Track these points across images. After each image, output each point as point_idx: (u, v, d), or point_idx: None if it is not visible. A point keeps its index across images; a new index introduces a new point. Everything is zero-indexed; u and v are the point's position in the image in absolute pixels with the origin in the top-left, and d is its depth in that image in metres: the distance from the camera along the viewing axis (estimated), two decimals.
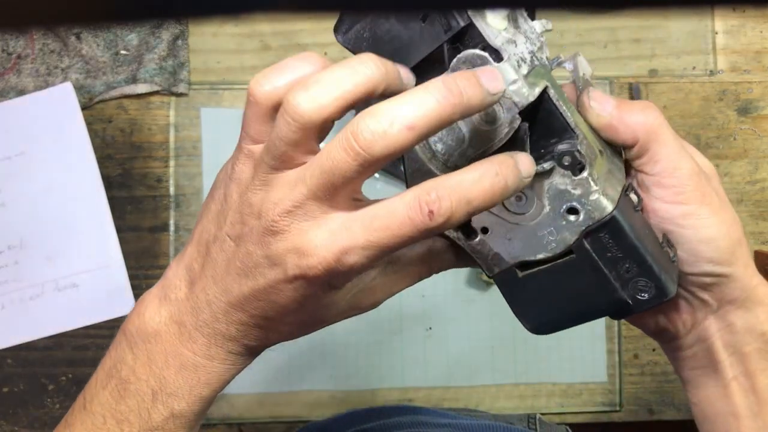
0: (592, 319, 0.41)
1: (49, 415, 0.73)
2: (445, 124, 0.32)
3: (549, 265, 0.39)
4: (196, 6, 0.16)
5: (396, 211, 0.32)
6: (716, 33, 0.80)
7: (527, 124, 0.36)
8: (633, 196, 0.40)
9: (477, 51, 0.35)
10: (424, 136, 0.31)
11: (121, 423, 0.37)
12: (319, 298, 0.35)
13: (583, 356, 0.77)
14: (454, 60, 0.35)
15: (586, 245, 0.38)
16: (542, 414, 0.75)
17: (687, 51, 0.79)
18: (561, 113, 0.37)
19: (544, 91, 0.36)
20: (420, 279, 0.41)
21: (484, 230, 0.39)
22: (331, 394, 0.76)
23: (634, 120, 0.39)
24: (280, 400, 0.76)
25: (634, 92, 0.78)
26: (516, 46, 0.36)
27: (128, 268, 0.73)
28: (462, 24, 0.34)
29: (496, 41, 0.35)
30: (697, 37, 0.80)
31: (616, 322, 0.77)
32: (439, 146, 0.37)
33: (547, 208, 0.38)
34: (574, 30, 0.79)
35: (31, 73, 0.74)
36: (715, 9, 0.80)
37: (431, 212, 0.31)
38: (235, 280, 0.35)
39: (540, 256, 0.39)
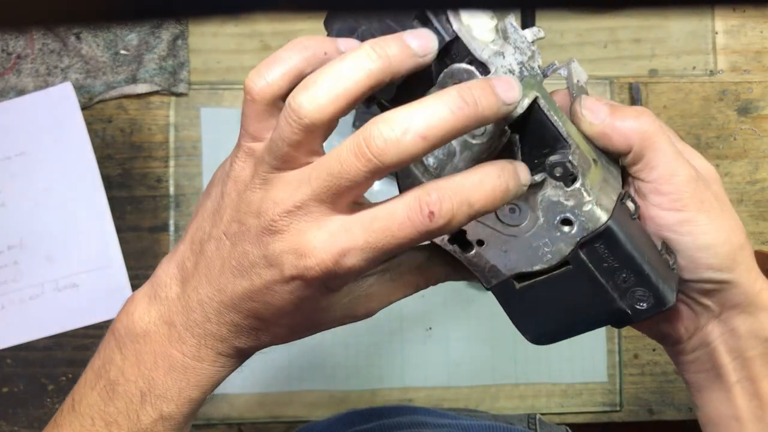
0: (592, 328, 0.41)
1: (49, 415, 0.72)
2: (459, 133, 0.31)
3: (546, 276, 0.39)
4: (196, 6, 0.16)
5: (396, 212, 0.32)
6: (716, 33, 0.80)
7: (517, 136, 0.36)
8: (630, 204, 0.39)
9: (463, 65, 0.35)
10: (437, 146, 0.31)
11: (109, 425, 0.37)
12: (315, 301, 0.35)
13: (583, 356, 0.77)
14: (441, 75, 0.35)
15: (582, 256, 0.38)
16: (542, 414, 0.75)
17: (687, 51, 0.79)
18: (552, 123, 0.36)
19: (535, 102, 0.35)
20: (417, 290, 0.40)
21: (480, 243, 0.39)
22: (331, 394, 0.76)
23: (627, 127, 0.38)
24: (280, 400, 0.76)
25: (634, 92, 0.78)
26: (504, 58, 0.35)
27: (128, 268, 0.73)
28: (447, 38, 0.34)
29: (482, 54, 0.34)
30: (697, 37, 0.80)
31: None
32: (431, 160, 0.37)
33: (541, 220, 0.37)
34: (574, 30, 0.79)
35: (30, 73, 0.74)
36: (715, 9, 0.80)
37: (431, 213, 0.31)
38: (230, 280, 0.35)
39: (536, 268, 0.38)
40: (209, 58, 0.76)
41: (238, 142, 0.35)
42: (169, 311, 0.37)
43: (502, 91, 0.32)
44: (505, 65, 0.35)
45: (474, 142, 0.36)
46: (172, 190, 0.75)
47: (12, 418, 0.73)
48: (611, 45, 0.79)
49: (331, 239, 0.32)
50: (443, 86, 0.34)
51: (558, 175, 0.36)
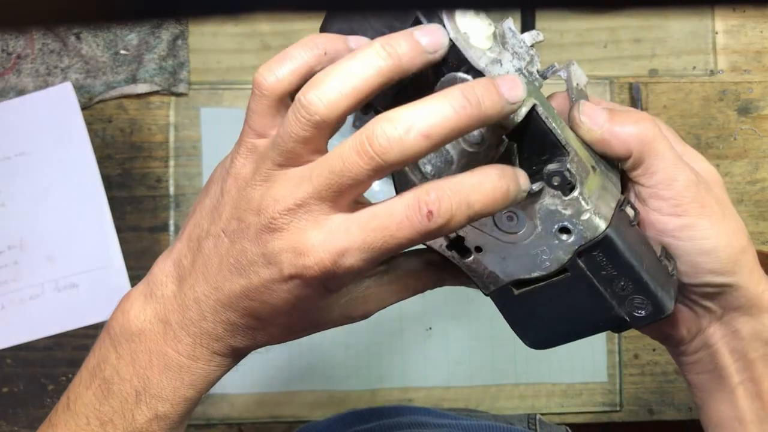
0: (592, 334, 0.41)
1: None
2: (462, 133, 0.31)
3: (544, 283, 0.38)
4: (196, 6, 0.16)
5: (394, 211, 0.32)
6: (716, 33, 0.80)
7: (515, 144, 0.36)
8: (629, 210, 0.39)
9: (459, 74, 0.34)
10: (439, 145, 0.31)
11: (105, 424, 0.37)
12: (313, 301, 0.35)
13: (583, 356, 0.77)
14: (438, 84, 0.35)
15: (580, 264, 0.37)
16: (542, 414, 0.75)
17: (687, 51, 0.79)
18: (550, 130, 0.36)
19: (533, 110, 0.35)
20: (414, 293, 0.40)
21: (478, 249, 0.38)
22: (331, 394, 0.76)
23: (626, 132, 0.38)
24: (280, 400, 0.76)
25: (634, 92, 0.78)
26: (501, 65, 0.35)
27: (128, 268, 0.73)
28: None
29: (479, 63, 0.34)
30: (697, 37, 0.80)
31: None
32: (428, 167, 0.37)
33: (539, 228, 0.37)
34: (574, 30, 0.79)
35: (30, 73, 0.74)
36: (715, 9, 0.80)
37: (430, 212, 0.31)
38: (227, 278, 0.34)
39: (535, 275, 0.38)
40: (209, 58, 0.76)
41: (240, 139, 0.35)
42: (164, 309, 0.37)
43: (506, 90, 0.32)
44: (503, 73, 0.35)
45: (471, 150, 0.36)
46: (172, 190, 0.75)
47: (12, 418, 0.72)
48: (611, 45, 0.79)
49: (330, 238, 0.32)
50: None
51: (556, 184, 0.36)
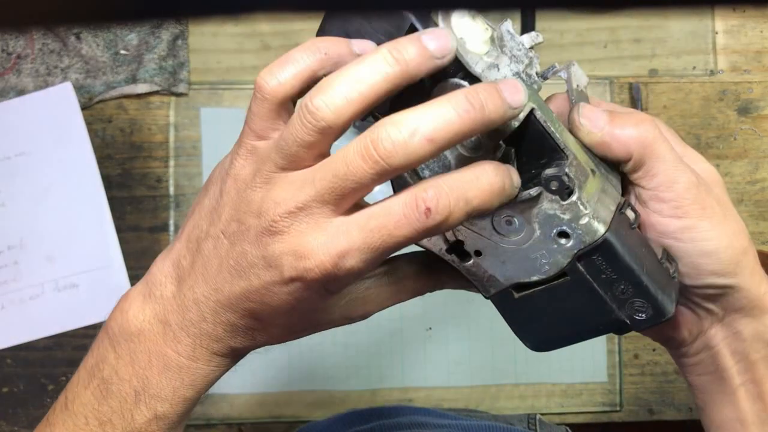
0: (593, 337, 0.40)
1: None
2: (466, 137, 0.31)
3: (544, 286, 0.38)
4: (196, 6, 0.16)
5: (392, 210, 0.31)
6: (716, 33, 0.80)
7: (512, 149, 0.36)
8: (629, 213, 0.38)
9: (456, 80, 0.34)
10: (443, 149, 0.31)
11: (103, 424, 0.37)
12: (313, 302, 0.35)
13: (583, 356, 0.77)
14: (434, 90, 0.34)
15: (580, 268, 0.37)
16: (542, 414, 0.75)
17: (687, 51, 0.79)
18: (549, 134, 0.35)
19: (531, 114, 0.35)
20: (414, 296, 0.40)
21: (478, 253, 0.38)
22: (331, 394, 0.76)
23: (626, 135, 0.38)
24: (280, 400, 0.76)
25: (634, 92, 0.78)
26: (498, 70, 0.35)
27: (128, 268, 0.73)
28: None
29: (476, 68, 0.34)
30: (697, 37, 0.80)
31: None
32: (426, 173, 0.37)
33: (537, 233, 0.37)
34: (574, 30, 0.79)
35: (30, 73, 0.74)
36: (715, 9, 0.80)
37: (428, 209, 0.31)
38: (227, 280, 0.34)
39: (534, 278, 0.38)
40: (209, 58, 0.76)
41: (240, 140, 0.35)
42: (164, 310, 0.37)
43: (509, 95, 0.32)
44: (500, 78, 0.35)
45: (469, 155, 0.36)
46: (172, 190, 0.75)
47: (12, 418, 0.72)
48: (611, 45, 0.79)
49: (330, 241, 0.32)
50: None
51: (554, 188, 0.36)
